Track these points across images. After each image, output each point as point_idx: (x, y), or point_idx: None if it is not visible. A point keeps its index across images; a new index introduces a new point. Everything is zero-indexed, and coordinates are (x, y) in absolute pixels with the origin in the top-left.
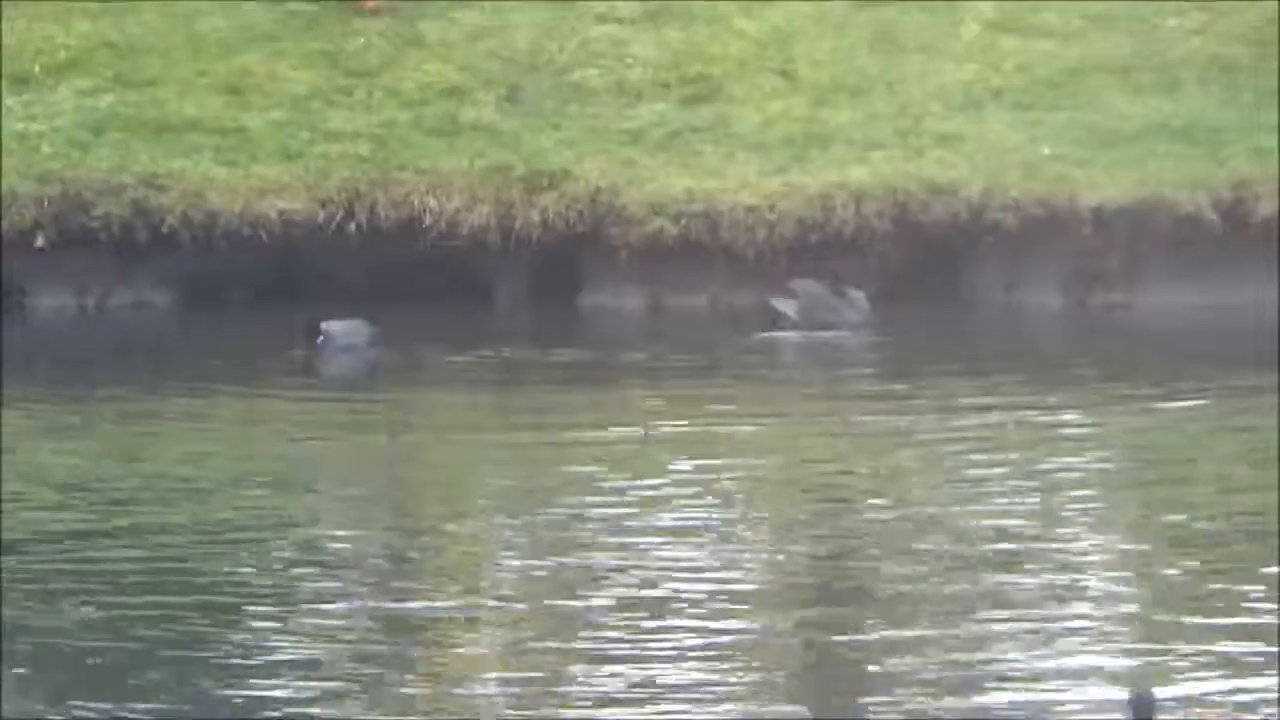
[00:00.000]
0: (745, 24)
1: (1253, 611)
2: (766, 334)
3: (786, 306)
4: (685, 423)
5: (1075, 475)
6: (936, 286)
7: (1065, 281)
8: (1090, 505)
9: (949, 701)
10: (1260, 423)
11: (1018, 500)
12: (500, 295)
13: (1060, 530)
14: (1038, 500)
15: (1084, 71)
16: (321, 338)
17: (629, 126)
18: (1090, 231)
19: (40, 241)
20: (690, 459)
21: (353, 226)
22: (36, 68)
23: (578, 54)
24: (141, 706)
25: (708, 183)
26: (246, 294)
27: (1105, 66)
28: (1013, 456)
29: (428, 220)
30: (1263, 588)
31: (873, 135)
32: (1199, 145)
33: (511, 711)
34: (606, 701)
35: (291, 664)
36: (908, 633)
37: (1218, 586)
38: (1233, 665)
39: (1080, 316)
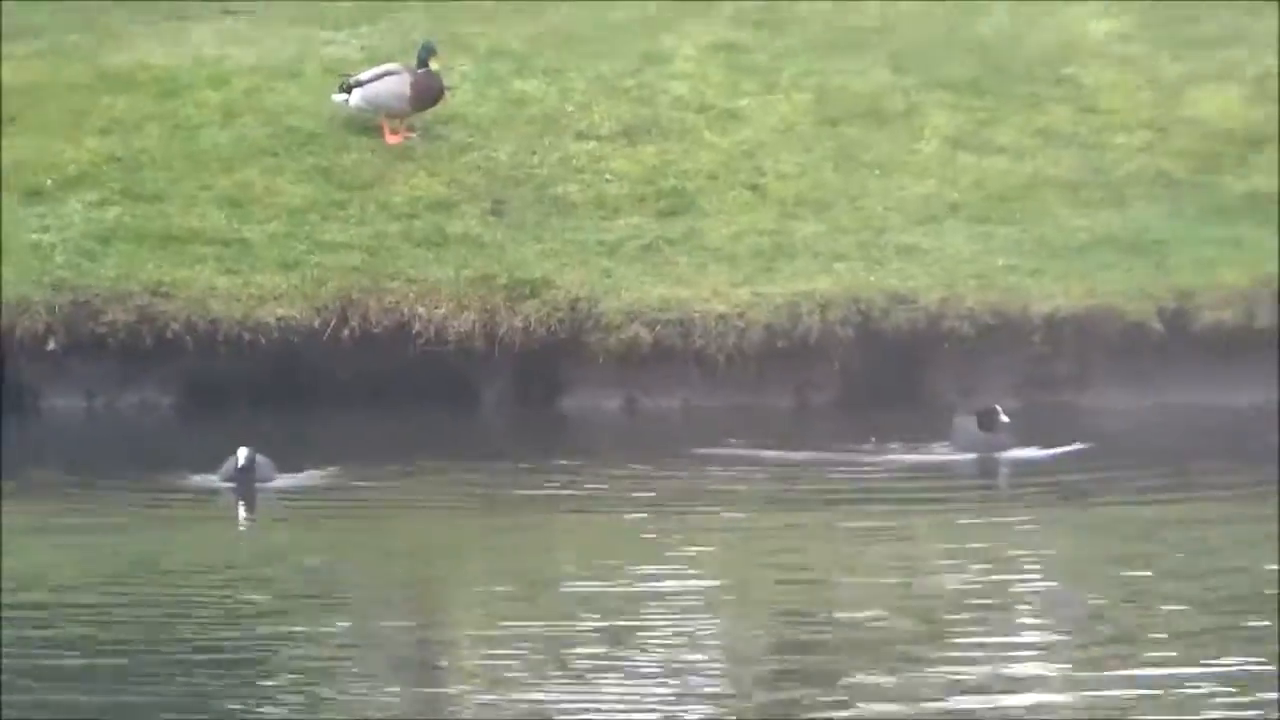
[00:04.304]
0: (716, 140)
1: None
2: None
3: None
4: None
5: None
6: (897, 391)
7: (1018, 385)
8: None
9: None
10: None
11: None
12: (485, 398)
13: None
14: None
15: (1036, 187)
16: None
17: (606, 238)
18: (1041, 338)
19: (51, 345)
20: None
21: (346, 332)
22: (48, 181)
23: (558, 169)
24: None
25: (681, 291)
26: (247, 396)
27: (1056, 182)
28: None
29: (417, 327)
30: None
31: (837, 247)
32: (1144, 257)
33: None
34: None
35: None
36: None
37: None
38: None
39: (1032, 418)
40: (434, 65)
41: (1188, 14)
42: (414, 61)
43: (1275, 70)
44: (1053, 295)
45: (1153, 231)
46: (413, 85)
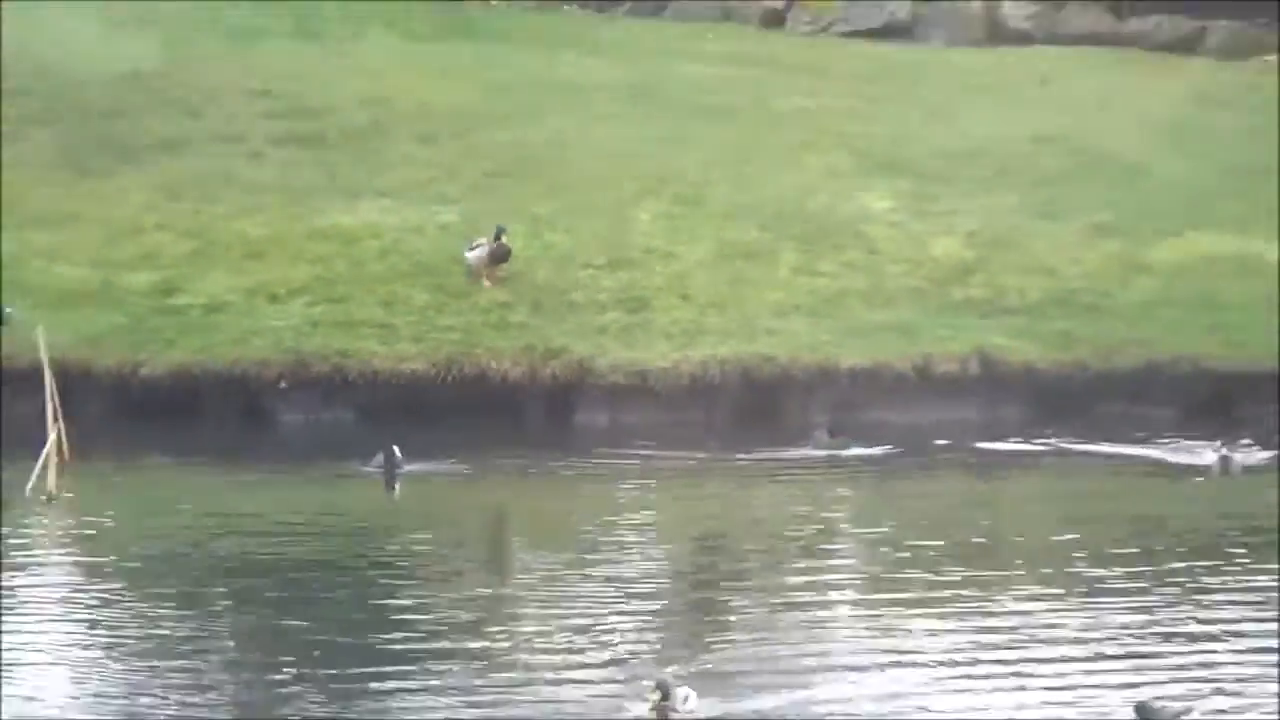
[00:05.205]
0: (662, 269)
1: None
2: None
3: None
4: None
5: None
6: (764, 417)
7: (832, 410)
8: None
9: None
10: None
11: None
12: (529, 418)
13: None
14: None
15: (843, 295)
16: (389, 459)
17: (599, 324)
18: (845, 382)
19: (282, 384)
20: None
21: (450, 379)
22: (282, 291)
23: (570, 285)
24: None
25: (642, 355)
26: (393, 416)
27: (854, 293)
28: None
29: (490, 375)
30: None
31: (730, 330)
32: (904, 335)
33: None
34: None
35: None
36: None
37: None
38: None
39: (844, 430)
40: (505, 239)
41: (930, 196)
42: (493, 235)
43: (978, 227)
44: (852, 357)
45: (909, 321)
46: (489, 251)
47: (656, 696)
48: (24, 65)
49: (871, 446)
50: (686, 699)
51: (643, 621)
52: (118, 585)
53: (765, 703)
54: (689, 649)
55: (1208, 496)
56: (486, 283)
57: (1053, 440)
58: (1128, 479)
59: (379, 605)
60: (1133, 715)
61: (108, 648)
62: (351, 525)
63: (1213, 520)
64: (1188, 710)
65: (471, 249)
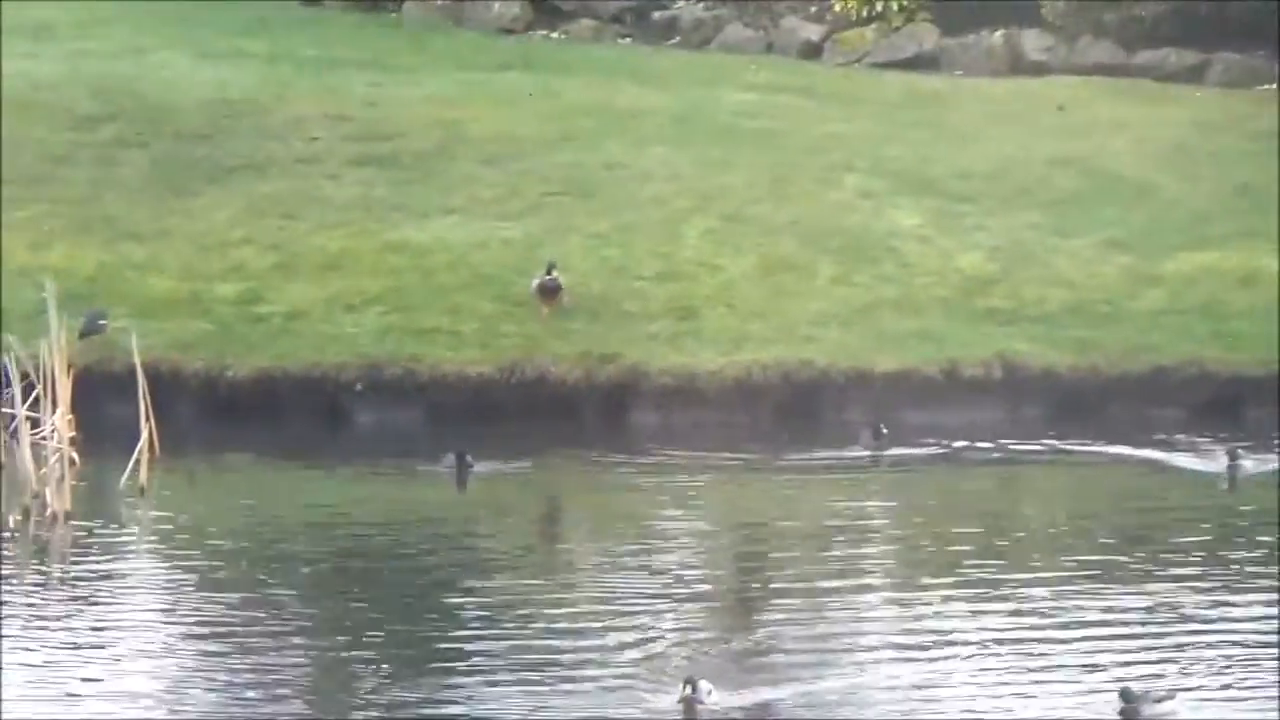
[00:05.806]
0: (708, 280)
1: None
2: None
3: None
4: None
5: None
6: (803, 417)
7: (867, 411)
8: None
9: None
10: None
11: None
12: (587, 418)
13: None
14: None
15: (876, 305)
16: (460, 460)
17: (651, 332)
18: (880, 386)
19: (358, 387)
20: None
21: (514, 381)
22: (358, 300)
23: (623, 295)
24: None
25: (690, 360)
26: (460, 417)
27: (886, 302)
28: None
29: (549, 378)
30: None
31: (771, 336)
32: (932, 342)
33: None
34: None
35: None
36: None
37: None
38: None
39: (889, 430)
40: (555, 273)
41: (955, 213)
42: (545, 269)
43: (1000, 242)
44: (885, 361)
45: (937, 329)
46: (539, 286)
47: (686, 690)
48: (121, 93)
49: (915, 447)
50: (710, 692)
51: (694, 612)
52: (200, 567)
53: (813, 686)
54: (735, 636)
55: (1216, 498)
56: (544, 310)
57: (1080, 442)
58: (1142, 479)
59: (452, 589)
60: (1118, 699)
61: (191, 624)
62: (427, 519)
63: (1217, 518)
64: (1171, 695)
65: (534, 281)
